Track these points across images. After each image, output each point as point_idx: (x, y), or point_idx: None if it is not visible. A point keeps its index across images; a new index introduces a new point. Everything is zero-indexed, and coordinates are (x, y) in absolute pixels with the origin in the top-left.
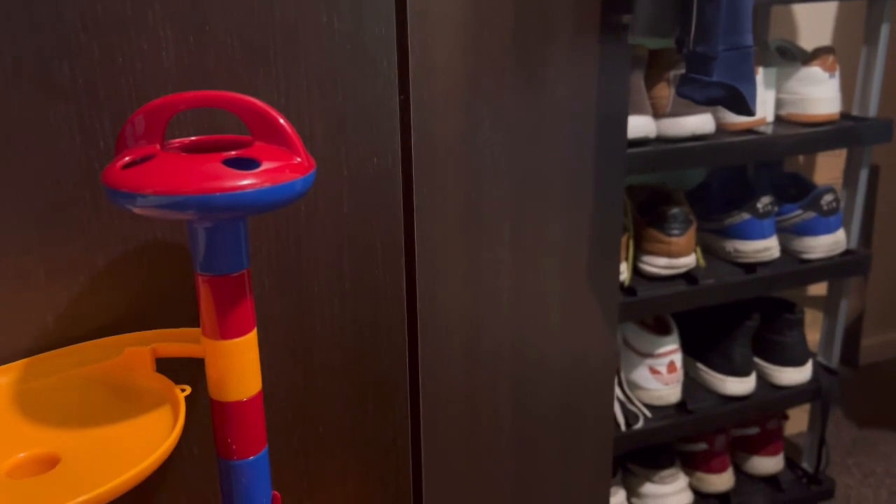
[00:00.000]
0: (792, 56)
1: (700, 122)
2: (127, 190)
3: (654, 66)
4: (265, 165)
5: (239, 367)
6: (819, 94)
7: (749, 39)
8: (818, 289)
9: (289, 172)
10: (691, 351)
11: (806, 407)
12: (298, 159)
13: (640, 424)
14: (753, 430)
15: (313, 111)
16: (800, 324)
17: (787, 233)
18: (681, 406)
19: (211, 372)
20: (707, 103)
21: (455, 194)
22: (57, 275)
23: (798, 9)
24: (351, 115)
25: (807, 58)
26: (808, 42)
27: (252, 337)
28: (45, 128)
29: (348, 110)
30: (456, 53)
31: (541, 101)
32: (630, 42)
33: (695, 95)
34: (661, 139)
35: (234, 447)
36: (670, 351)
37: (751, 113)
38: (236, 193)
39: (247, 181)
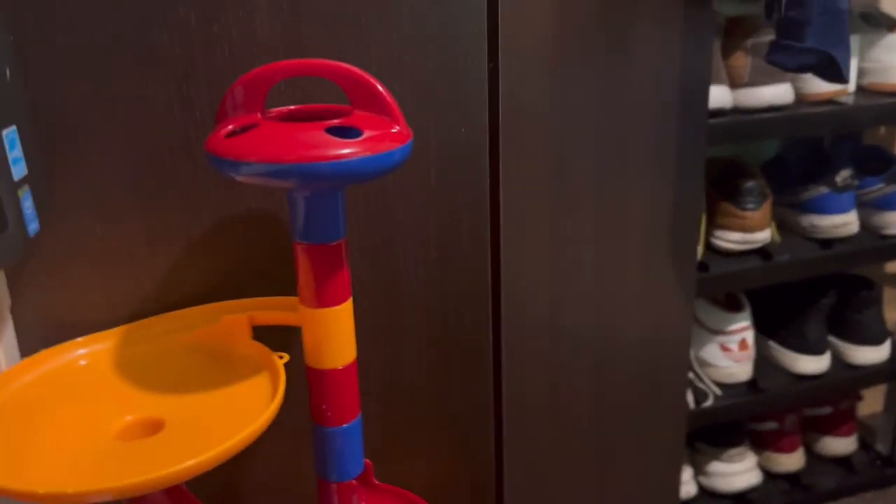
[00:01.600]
0: (876, 22)
1: (778, 93)
2: (231, 158)
3: (731, 35)
4: (367, 134)
5: (335, 334)
6: None
7: (844, 3)
8: None
9: (389, 141)
10: (763, 328)
11: (880, 387)
12: (397, 128)
13: (709, 402)
14: (825, 410)
15: (403, 79)
16: (878, 301)
17: (867, 207)
18: (752, 384)
19: (308, 340)
20: (799, 70)
21: (541, 165)
22: (156, 243)
23: None
24: (439, 83)
25: (892, 24)
26: (893, 7)
27: (348, 305)
28: (145, 97)
29: (437, 79)
30: (543, 20)
31: (625, 68)
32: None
33: (786, 62)
34: (737, 110)
35: (330, 414)
36: (742, 328)
37: (844, 80)
38: (339, 162)
39: (349, 150)
